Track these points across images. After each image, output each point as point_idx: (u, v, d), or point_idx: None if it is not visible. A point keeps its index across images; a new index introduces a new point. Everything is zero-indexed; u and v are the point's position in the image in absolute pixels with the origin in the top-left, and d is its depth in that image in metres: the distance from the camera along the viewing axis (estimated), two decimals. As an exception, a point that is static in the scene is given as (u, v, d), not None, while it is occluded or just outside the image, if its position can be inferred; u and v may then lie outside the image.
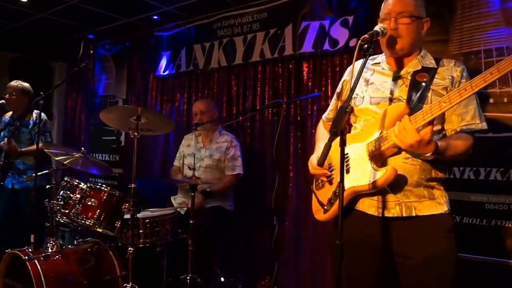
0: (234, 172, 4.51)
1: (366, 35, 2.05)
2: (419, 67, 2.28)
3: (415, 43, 2.30)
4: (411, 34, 2.24)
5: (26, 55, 7.22)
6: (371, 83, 2.38)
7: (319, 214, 2.46)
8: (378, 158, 2.18)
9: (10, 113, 5.16)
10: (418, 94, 2.18)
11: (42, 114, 4.50)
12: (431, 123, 1.98)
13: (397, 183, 2.16)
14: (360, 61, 2.23)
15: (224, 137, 4.62)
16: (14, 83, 5.04)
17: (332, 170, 2.39)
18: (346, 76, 2.62)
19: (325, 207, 2.39)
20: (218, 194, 4.38)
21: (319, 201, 2.47)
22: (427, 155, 2.04)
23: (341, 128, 1.86)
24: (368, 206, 2.28)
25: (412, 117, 2.00)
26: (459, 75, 2.23)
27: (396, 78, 2.31)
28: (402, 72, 2.30)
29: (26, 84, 5.09)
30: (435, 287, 2.18)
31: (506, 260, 3.36)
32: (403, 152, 2.17)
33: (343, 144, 1.88)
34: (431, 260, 2.15)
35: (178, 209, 4.31)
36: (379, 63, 2.43)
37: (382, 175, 2.09)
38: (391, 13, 2.24)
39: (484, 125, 2.24)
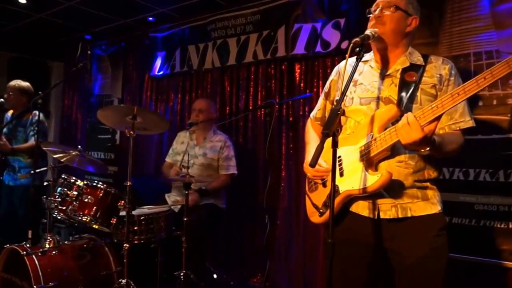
0: (229, 172, 4.55)
1: (357, 38, 2.07)
2: (407, 64, 2.28)
3: (398, 34, 2.30)
4: (394, 23, 2.27)
5: (25, 55, 7.25)
6: (360, 84, 2.38)
7: (315, 217, 2.46)
8: (371, 161, 2.19)
9: (12, 111, 5.20)
10: (408, 94, 2.18)
11: (41, 114, 4.55)
12: (435, 120, 1.91)
13: (392, 186, 2.16)
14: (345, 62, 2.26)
15: (218, 137, 4.66)
16: (12, 82, 5.08)
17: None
18: (333, 75, 2.61)
19: (321, 210, 2.40)
20: (213, 192, 4.42)
21: (313, 204, 2.48)
22: (423, 150, 2.04)
23: (333, 130, 1.87)
24: (363, 208, 2.28)
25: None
26: (447, 73, 2.24)
27: (384, 76, 2.31)
28: (391, 71, 2.30)
29: (25, 84, 5.13)
30: (428, 285, 2.20)
31: (495, 260, 3.39)
32: (396, 156, 2.18)
33: (335, 145, 1.89)
34: (424, 259, 2.17)
35: (172, 207, 4.33)
36: (367, 60, 2.43)
37: (377, 180, 2.10)
38: (378, 4, 2.33)
39: (472, 122, 2.23)
